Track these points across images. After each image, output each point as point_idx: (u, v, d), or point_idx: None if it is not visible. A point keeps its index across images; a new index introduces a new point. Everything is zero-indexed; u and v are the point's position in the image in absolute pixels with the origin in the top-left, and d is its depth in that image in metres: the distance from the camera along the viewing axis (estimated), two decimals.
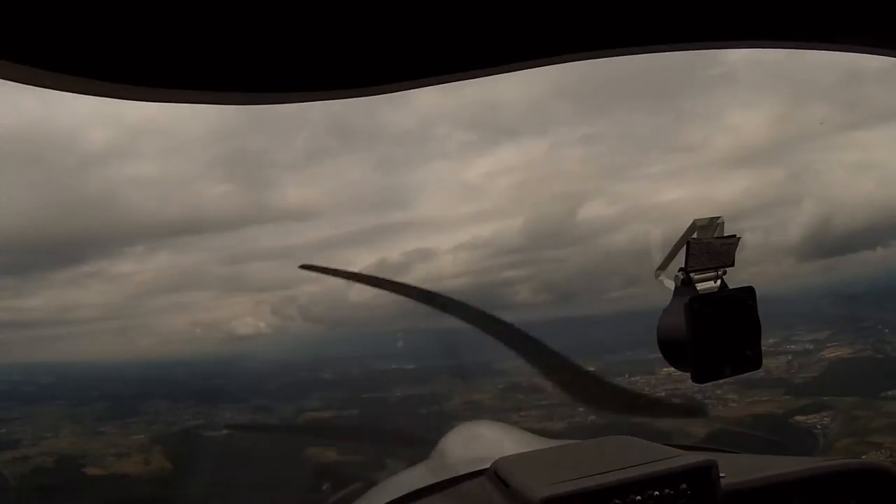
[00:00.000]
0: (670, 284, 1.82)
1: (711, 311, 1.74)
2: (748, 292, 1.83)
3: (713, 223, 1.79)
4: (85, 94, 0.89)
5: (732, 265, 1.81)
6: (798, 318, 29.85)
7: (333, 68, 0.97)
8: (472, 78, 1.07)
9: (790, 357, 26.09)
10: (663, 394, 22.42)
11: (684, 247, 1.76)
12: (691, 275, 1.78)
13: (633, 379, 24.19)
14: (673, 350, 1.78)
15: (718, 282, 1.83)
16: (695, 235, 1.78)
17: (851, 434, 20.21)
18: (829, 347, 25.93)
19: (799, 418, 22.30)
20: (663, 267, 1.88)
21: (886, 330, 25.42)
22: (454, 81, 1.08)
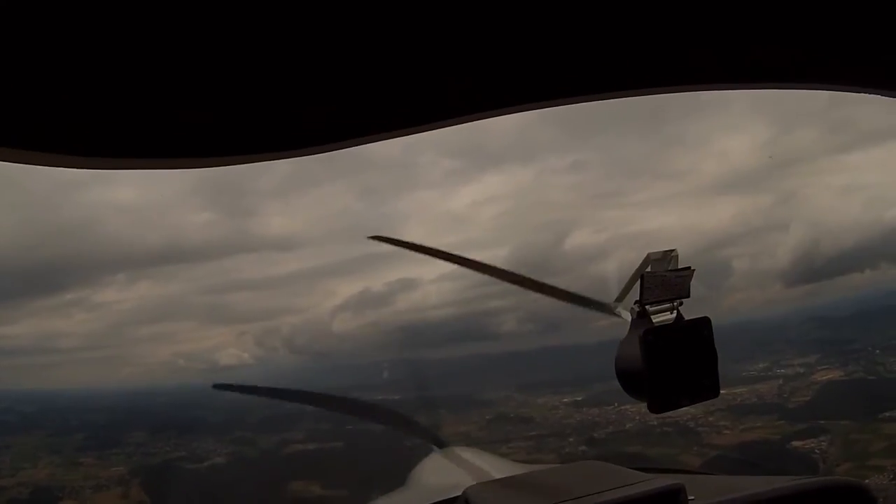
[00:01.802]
0: (627, 316, 1.85)
1: (666, 342, 1.76)
2: (704, 323, 1.83)
3: (667, 256, 1.81)
4: (53, 166, 0.90)
5: (688, 296, 1.83)
6: (787, 342, 29.78)
7: (317, 123, 0.98)
8: (458, 124, 1.07)
9: (781, 381, 26.08)
10: (655, 422, 22.16)
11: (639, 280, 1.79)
12: (647, 307, 1.80)
13: (622, 408, 23.99)
14: (630, 381, 1.80)
15: (674, 313, 1.84)
16: (649, 269, 1.81)
17: (851, 458, 19.94)
18: (820, 370, 26.03)
19: (796, 444, 21.99)
20: (620, 299, 1.93)
21: (878, 351, 25.30)
22: (444, 127, 1.07)
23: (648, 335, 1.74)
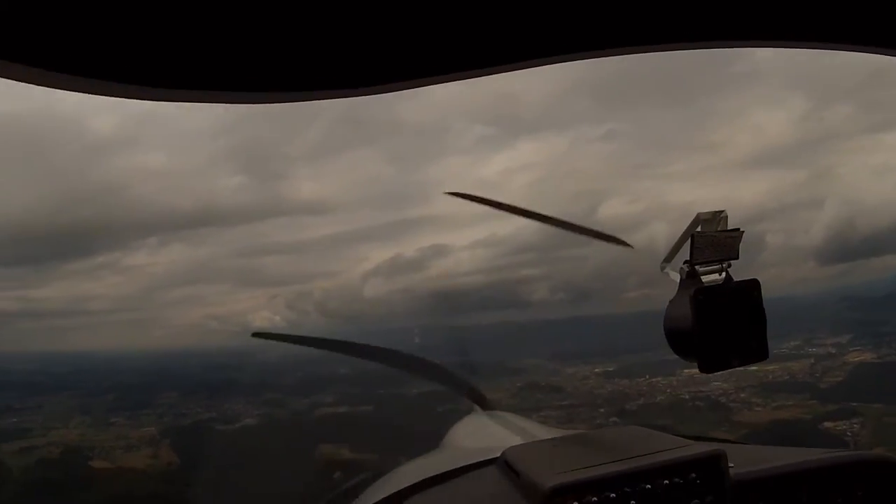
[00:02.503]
0: (675, 277, 1.85)
1: (717, 302, 1.77)
2: (753, 284, 1.84)
3: (717, 217, 1.81)
4: (94, 94, 0.93)
5: (737, 258, 1.83)
6: (819, 321, 29.42)
7: (348, 65, 0.99)
8: (489, 74, 1.09)
9: (813, 361, 25.85)
10: (686, 396, 22.04)
11: (689, 240, 1.79)
12: (696, 268, 1.80)
13: (654, 380, 23.86)
14: (680, 341, 1.81)
15: (723, 274, 1.84)
16: (699, 229, 1.81)
17: (884, 442, 19.79)
18: (852, 352, 25.83)
19: (828, 425, 21.72)
20: (668, 259, 1.91)
21: None
22: (470, 78, 1.09)
23: (700, 294, 1.75)
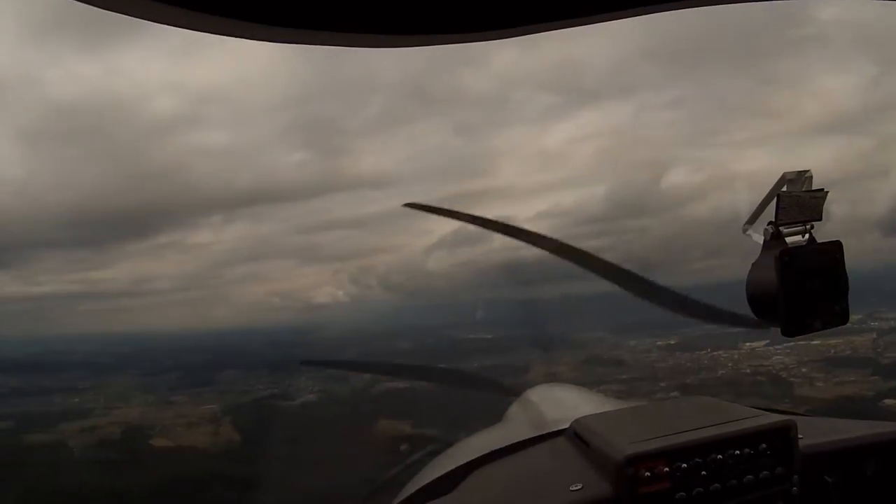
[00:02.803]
0: (759, 239, 1.81)
1: (802, 263, 1.74)
2: (836, 246, 1.81)
3: (802, 176, 1.78)
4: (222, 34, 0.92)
5: (820, 219, 1.80)
6: (882, 294, 28.59)
7: (409, 13, 0.96)
8: (553, 29, 1.05)
9: (875, 335, 25.14)
10: (747, 370, 21.69)
11: (773, 201, 1.77)
12: (780, 229, 1.77)
13: (715, 353, 23.54)
14: (763, 303, 1.77)
15: (807, 236, 1.81)
16: (784, 189, 1.78)
17: None
18: None
19: (889, 402, 20.99)
20: (752, 221, 1.87)
21: None
22: (535, 33, 1.05)
23: (785, 255, 1.71)
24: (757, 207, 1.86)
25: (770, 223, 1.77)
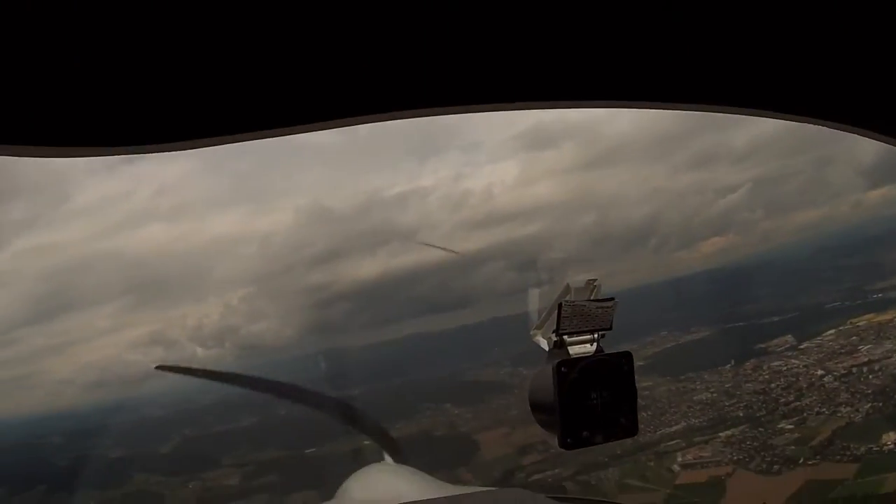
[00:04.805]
0: (544, 345, 1.80)
1: (581, 375, 1.73)
2: (625, 357, 1.79)
3: (589, 285, 1.79)
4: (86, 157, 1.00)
5: (609, 329, 1.78)
6: None
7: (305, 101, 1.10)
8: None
9: None
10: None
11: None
12: (565, 337, 1.76)
13: None
14: (542, 412, 1.77)
15: (594, 345, 1.79)
16: (569, 297, 1.78)
17: None
18: None
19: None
20: (539, 326, 1.85)
21: None
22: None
23: (563, 366, 1.72)
24: (546, 313, 1.86)
25: (553, 331, 1.76)
